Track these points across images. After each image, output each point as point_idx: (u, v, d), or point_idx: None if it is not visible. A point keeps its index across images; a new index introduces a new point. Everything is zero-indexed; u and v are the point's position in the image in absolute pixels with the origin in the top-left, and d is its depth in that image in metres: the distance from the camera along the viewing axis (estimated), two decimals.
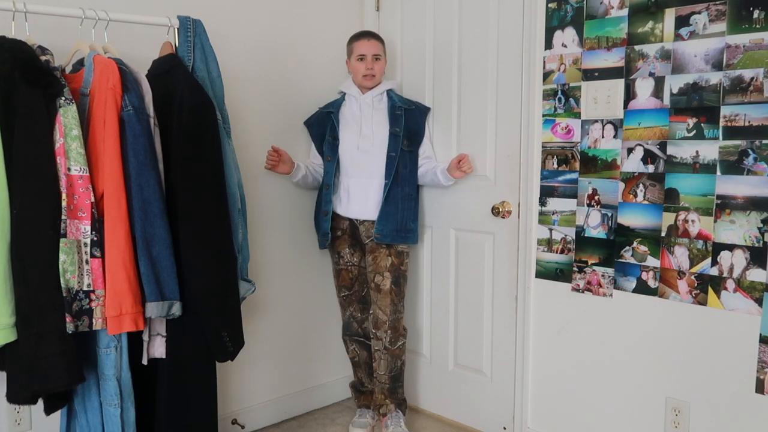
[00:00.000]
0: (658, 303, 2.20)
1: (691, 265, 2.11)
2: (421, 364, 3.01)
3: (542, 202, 2.49)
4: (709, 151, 2.04)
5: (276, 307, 2.86)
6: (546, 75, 2.44)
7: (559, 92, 2.40)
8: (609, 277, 2.31)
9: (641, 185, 2.21)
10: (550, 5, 2.40)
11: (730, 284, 2.03)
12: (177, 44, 2.07)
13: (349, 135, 2.66)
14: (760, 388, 2.00)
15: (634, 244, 2.24)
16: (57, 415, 2.08)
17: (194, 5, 2.44)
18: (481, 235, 2.71)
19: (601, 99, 2.29)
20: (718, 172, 2.03)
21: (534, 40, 2.46)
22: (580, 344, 2.42)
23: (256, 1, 2.69)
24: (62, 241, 1.72)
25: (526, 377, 2.59)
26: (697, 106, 2.06)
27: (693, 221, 2.09)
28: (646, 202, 2.20)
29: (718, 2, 2.00)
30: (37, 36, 1.90)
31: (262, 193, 2.75)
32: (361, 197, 2.63)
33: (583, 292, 2.39)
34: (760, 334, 1.98)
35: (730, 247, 2.02)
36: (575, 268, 2.41)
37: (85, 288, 1.77)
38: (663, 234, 2.17)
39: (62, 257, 1.72)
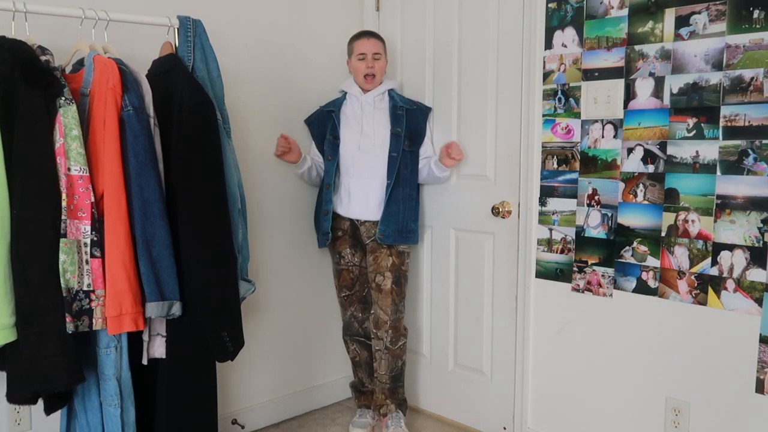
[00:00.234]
0: (658, 303, 2.20)
1: (691, 265, 2.11)
2: (421, 364, 3.01)
3: (542, 202, 2.49)
4: (709, 151, 2.04)
5: (276, 307, 2.86)
6: (546, 75, 2.44)
7: (559, 92, 2.40)
8: (609, 277, 2.31)
9: (641, 185, 2.21)
10: (550, 5, 2.40)
11: (730, 284, 2.03)
12: (177, 44, 2.07)
13: (350, 134, 2.66)
14: (760, 388, 2.00)
15: (634, 244, 2.24)
16: (57, 415, 2.08)
17: (194, 5, 2.44)
18: (481, 235, 2.71)
19: (601, 99, 2.29)
20: (718, 172, 2.03)
21: (534, 40, 2.46)
22: (580, 344, 2.42)
23: (256, 1, 2.69)
24: (62, 241, 1.72)
25: (526, 377, 2.59)
26: (697, 106, 2.06)
27: (693, 221, 2.09)
28: (646, 202, 2.20)
29: (718, 2, 2.00)
30: (37, 36, 1.90)
31: (262, 193, 2.75)
32: (361, 197, 2.63)
33: (583, 292, 2.39)
34: (760, 334, 1.98)
35: (730, 247, 2.02)
36: (575, 268, 2.41)
37: (85, 288, 1.77)
38: (663, 234, 2.17)
39: (62, 257, 1.72)
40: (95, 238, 1.78)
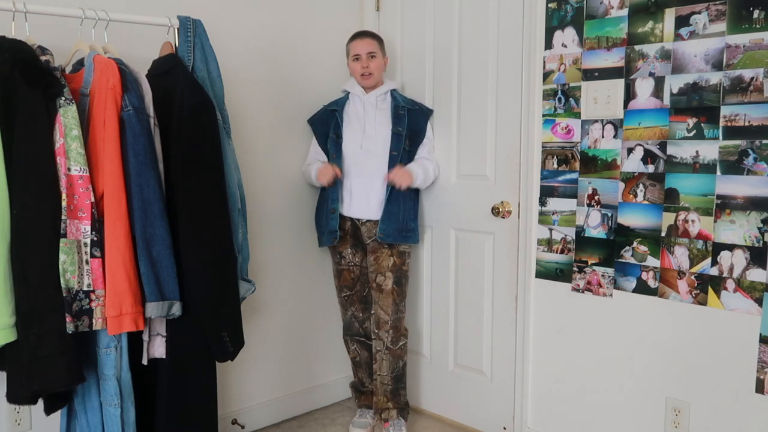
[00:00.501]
0: (658, 303, 2.20)
1: (691, 265, 2.11)
2: (421, 364, 3.01)
3: (542, 202, 2.49)
4: (709, 151, 2.04)
5: (276, 307, 2.86)
6: (546, 75, 2.44)
7: (559, 92, 2.40)
8: (609, 277, 2.31)
9: (641, 185, 2.21)
10: (550, 5, 2.40)
11: (730, 284, 2.03)
12: (177, 44, 2.07)
13: (352, 134, 2.66)
14: (760, 388, 2.00)
15: (634, 244, 2.24)
16: (57, 415, 2.08)
17: (194, 5, 2.44)
18: (481, 235, 2.71)
19: (601, 99, 2.29)
20: (718, 172, 2.03)
21: (534, 40, 2.46)
22: (580, 344, 2.42)
23: (257, 1, 2.69)
24: (62, 241, 1.72)
25: (526, 377, 2.59)
26: (697, 106, 2.06)
27: (693, 221, 2.09)
28: (646, 202, 2.20)
29: (718, 2, 2.00)
30: (37, 36, 1.90)
31: (262, 193, 2.75)
32: (363, 197, 2.63)
33: (583, 292, 2.39)
34: (760, 334, 1.98)
35: (730, 247, 2.02)
36: (575, 268, 2.41)
37: (85, 288, 1.77)
38: (663, 234, 2.17)
39: (62, 257, 1.72)
40: (95, 238, 1.78)
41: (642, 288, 2.23)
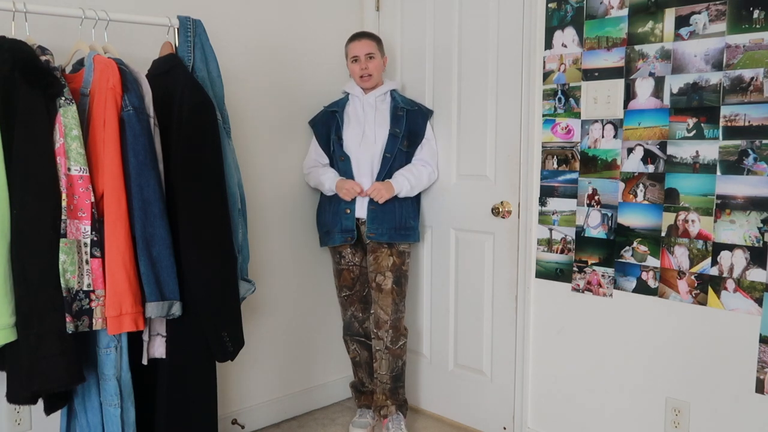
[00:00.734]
0: (658, 303, 2.20)
1: (691, 265, 2.11)
2: (421, 364, 3.01)
3: (542, 202, 2.49)
4: (709, 151, 2.04)
5: (276, 307, 2.86)
6: (546, 75, 2.44)
7: (559, 92, 2.40)
8: (609, 277, 2.31)
9: (641, 185, 2.21)
10: (550, 5, 2.40)
11: (730, 284, 2.03)
12: (177, 44, 2.07)
13: (352, 135, 2.66)
14: (760, 388, 2.00)
15: (634, 244, 2.24)
16: (57, 415, 2.08)
17: (194, 5, 2.44)
18: (481, 235, 2.71)
19: (601, 99, 2.29)
20: (718, 172, 2.03)
21: (534, 40, 2.46)
22: (580, 344, 2.42)
23: (257, 2, 2.69)
24: (62, 241, 1.72)
25: (526, 377, 2.59)
26: (697, 106, 2.06)
27: (693, 221, 2.09)
28: (646, 202, 2.20)
29: (718, 2, 2.00)
30: (37, 36, 1.90)
31: (262, 193, 2.75)
32: (362, 198, 2.63)
33: (583, 292, 2.39)
34: (760, 334, 1.98)
35: (730, 247, 2.02)
36: (575, 268, 2.41)
37: (85, 288, 1.77)
38: (663, 234, 2.17)
39: (62, 257, 1.72)
40: (95, 238, 1.78)
41: (642, 288, 2.23)
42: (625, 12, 2.21)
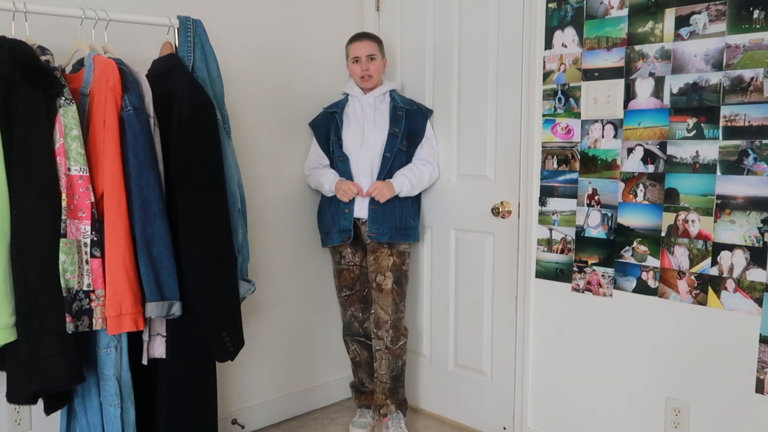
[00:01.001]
0: (658, 303, 2.20)
1: (691, 265, 2.11)
2: (421, 364, 3.01)
3: (542, 202, 2.49)
4: (709, 151, 2.04)
5: (276, 307, 2.86)
6: (546, 75, 2.44)
7: (559, 92, 2.40)
8: (609, 277, 2.31)
9: (641, 185, 2.21)
10: (550, 5, 2.40)
11: (730, 284, 2.03)
12: (177, 44, 2.07)
13: (352, 136, 2.66)
14: (760, 388, 2.00)
15: (634, 244, 2.24)
16: (57, 415, 2.08)
17: (194, 5, 2.44)
18: (481, 235, 2.71)
19: (601, 99, 2.29)
20: (718, 172, 2.03)
21: (534, 40, 2.46)
22: (580, 344, 2.42)
23: (257, 1, 2.69)
24: (62, 241, 1.72)
25: (526, 377, 2.59)
26: (697, 106, 2.06)
27: (693, 221, 2.09)
28: (646, 202, 2.20)
29: (718, 2, 2.00)
30: (37, 36, 1.90)
31: (262, 193, 2.75)
32: (360, 198, 2.63)
33: (583, 292, 2.39)
34: (760, 334, 1.98)
35: (730, 247, 2.02)
36: (575, 268, 2.41)
37: (85, 288, 1.77)
38: (663, 234, 2.17)
39: (62, 257, 1.72)
40: (95, 238, 1.78)
41: (642, 288, 2.23)
42: (625, 12, 2.21)
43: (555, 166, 2.44)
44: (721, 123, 2.01)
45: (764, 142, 1.94)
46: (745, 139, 1.97)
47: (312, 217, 2.92)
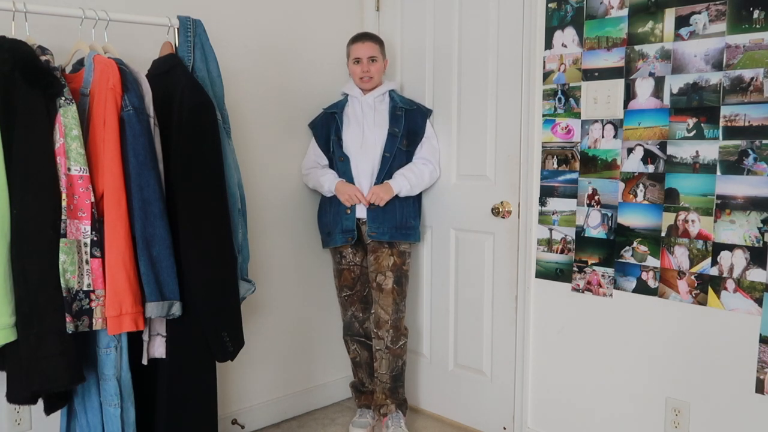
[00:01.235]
0: (658, 303, 2.20)
1: (691, 265, 2.11)
2: (421, 364, 3.01)
3: (542, 202, 2.49)
4: (709, 151, 2.04)
5: (276, 307, 2.86)
6: (546, 75, 2.44)
7: (559, 92, 2.40)
8: (609, 277, 2.31)
9: (641, 185, 2.21)
10: (550, 5, 2.40)
11: (730, 284, 2.03)
12: (177, 44, 2.07)
13: (352, 136, 2.66)
14: (760, 388, 2.00)
15: (634, 244, 2.24)
16: (57, 415, 2.08)
17: (194, 5, 2.44)
18: (481, 235, 2.71)
19: (601, 99, 2.29)
20: (718, 172, 2.03)
21: (534, 40, 2.45)
22: (580, 344, 2.42)
23: (257, 2, 2.69)
24: (62, 241, 1.72)
25: (526, 377, 2.59)
26: (697, 106, 2.06)
27: (693, 221, 2.09)
28: (646, 202, 2.20)
29: (718, 2, 2.00)
30: (37, 36, 1.90)
31: (263, 194, 2.75)
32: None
33: (583, 292, 2.39)
34: (760, 334, 1.98)
35: (730, 247, 2.02)
36: (575, 268, 2.41)
37: (85, 288, 1.77)
38: (663, 234, 2.17)
39: (62, 257, 1.72)
40: (95, 238, 1.78)
41: (642, 288, 2.23)
42: (625, 12, 2.21)
43: (555, 166, 2.44)
44: (721, 123, 2.01)
45: (764, 142, 1.94)
46: (745, 139, 1.97)
47: (312, 217, 2.92)
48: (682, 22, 2.08)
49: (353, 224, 2.63)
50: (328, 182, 2.64)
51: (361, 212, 2.64)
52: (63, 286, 1.73)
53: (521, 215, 2.55)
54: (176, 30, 2.07)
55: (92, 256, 1.78)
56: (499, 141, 2.62)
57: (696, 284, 2.10)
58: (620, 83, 2.24)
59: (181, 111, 1.92)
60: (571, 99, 2.37)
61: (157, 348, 2.00)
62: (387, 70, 2.80)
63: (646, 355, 2.25)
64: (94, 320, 1.78)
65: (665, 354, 2.20)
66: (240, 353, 2.26)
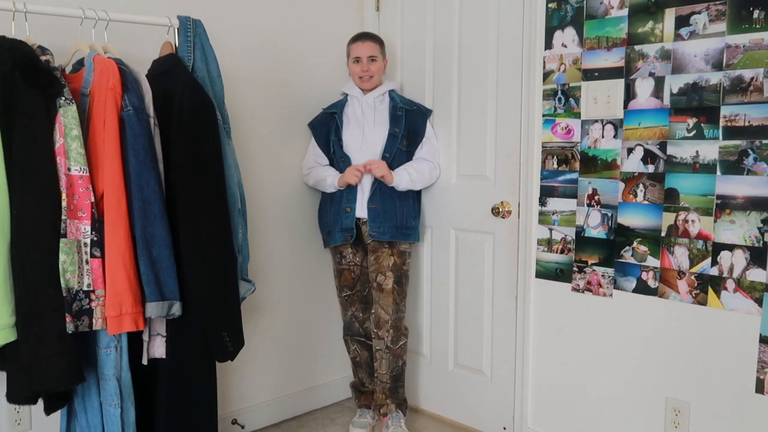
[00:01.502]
0: (658, 303, 2.20)
1: (691, 265, 2.11)
2: (421, 364, 3.01)
3: (542, 202, 2.49)
4: (709, 151, 2.04)
5: (276, 307, 2.86)
6: (546, 75, 2.44)
7: (559, 92, 2.40)
8: (609, 277, 2.31)
9: (641, 185, 2.21)
10: (550, 5, 2.40)
11: (730, 284, 2.03)
12: (177, 44, 2.07)
13: (352, 136, 2.66)
14: (760, 388, 2.00)
15: (634, 244, 2.24)
16: (57, 415, 2.08)
17: (194, 5, 2.44)
18: (481, 235, 2.71)
19: (601, 99, 2.29)
20: (718, 172, 2.03)
21: (534, 40, 2.46)
22: (580, 344, 2.42)
23: (257, 2, 2.69)
24: (62, 241, 1.72)
25: (526, 377, 2.59)
26: (697, 106, 2.06)
27: (693, 221, 2.09)
28: (646, 202, 2.20)
29: (718, 2, 2.00)
30: (37, 36, 1.90)
31: (263, 193, 2.75)
32: (362, 198, 2.63)
33: (583, 292, 2.39)
34: (760, 334, 1.98)
35: (730, 247, 2.02)
36: (575, 268, 2.41)
37: (85, 288, 1.77)
38: (663, 234, 2.17)
39: (62, 257, 1.72)
40: (95, 238, 1.78)
41: (642, 288, 2.23)
42: (625, 12, 2.21)
43: (555, 166, 2.44)
44: (721, 123, 2.01)
45: (764, 142, 1.94)
46: (745, 139, 1.97)
47: (312, 217, 2.92)
48: (682, 22, 2.08)
49: (352, 223, 2.63)
50: (331, 177, 2.64)
51: (362, 212, 2.64)
52: (63, 286, 1.73)
53: (521, 215, 2.55)
54: (176, 30, 2.07)
55: (92, 256, 1.78)
56: (499, 141, 2.62)
57: (696, 284, 2.10)
58: (620, 83, 2.24)
59: (181, 111, 1.92)
60: (571, 99, 2.37)
61: (157, 348, 2.00)
62: (387, 70, 2.80)
63: (646, 355, 2.25)
64: (94, 320, 1.78)
65: (665, 354, 2.20)
66: (240, 353, 2.26)
